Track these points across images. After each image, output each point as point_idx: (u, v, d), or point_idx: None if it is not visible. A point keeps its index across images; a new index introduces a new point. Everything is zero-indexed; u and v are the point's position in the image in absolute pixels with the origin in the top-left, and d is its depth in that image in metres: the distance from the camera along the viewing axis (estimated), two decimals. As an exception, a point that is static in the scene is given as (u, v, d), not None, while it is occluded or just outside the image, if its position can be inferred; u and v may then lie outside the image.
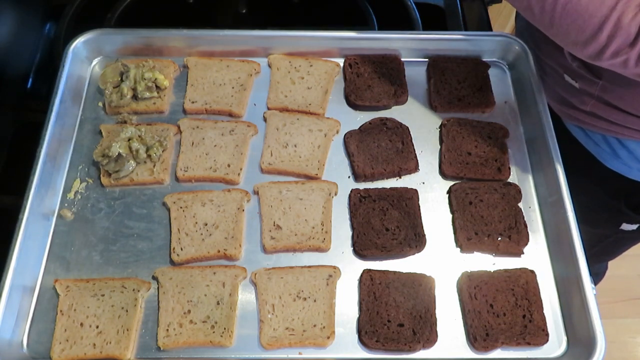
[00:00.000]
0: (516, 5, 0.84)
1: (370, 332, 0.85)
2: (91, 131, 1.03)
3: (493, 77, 1.11)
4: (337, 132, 1.03)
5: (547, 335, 0.86)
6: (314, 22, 1.17)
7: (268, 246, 0.91)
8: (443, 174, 1.00)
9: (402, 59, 1.11)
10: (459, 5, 1.24)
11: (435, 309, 0.87)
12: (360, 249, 0.91)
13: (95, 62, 1.10)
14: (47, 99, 0.99)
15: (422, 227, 0.94)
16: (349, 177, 1.00)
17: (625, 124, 0.98)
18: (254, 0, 1.24)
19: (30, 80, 1.15)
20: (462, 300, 0.89)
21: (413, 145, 1.02)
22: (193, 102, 1.05)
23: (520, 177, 1.01)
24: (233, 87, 1.06)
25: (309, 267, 0.90)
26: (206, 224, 0.93)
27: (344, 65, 1.11)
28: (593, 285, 0.86)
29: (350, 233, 0.94)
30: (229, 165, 0.98)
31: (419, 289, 0.88)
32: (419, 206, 0.96)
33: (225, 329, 0.85)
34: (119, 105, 1.03)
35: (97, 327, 0.84)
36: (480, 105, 1.07)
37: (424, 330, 0.85)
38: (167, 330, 0.84)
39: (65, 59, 1.03)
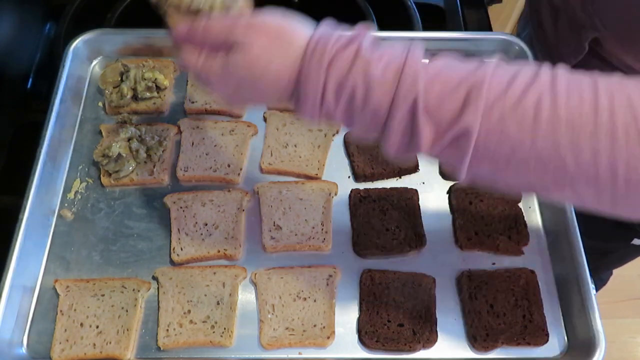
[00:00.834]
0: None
1: (370, 332, 0.85)
2: (91, 131, 1.03)
3: (493, 77, 1.10)
4: (337, 132, 1.03)
5: (547, 335, 0.86)
6: (313, 22, 1.17)
7: (268, 246, 0.91)
8: (443, 174, 1.00)
9: (402, 59, 1.11)
10: (459, 5, 1.24)
11: (435, 309, 0.87)
12: (360, 249, 0.91)
13: (95, 62, 1.10)
14: (47, 99, 0.99)
15: (422, 227, 0.94)
16: (349, 177, 1.00)
17: None
18: (254, 0, 1.23)
19: (30, 80, 1.14)
20: (462, 300, 0.89)
21: (413, 145, 1.02)
22: (193, 102, 1.05)
23: (520, 177, 1.01)
24: None
25: (309, 267, 0.90)
26: (206, 224, 0.93)
27: (344, 65, 1.10)
28: (593, 286, 0.86)
29: (350, 233, 0.94)
30: (229, 165, 0.98)
31: (419, 289, 0.88)
32: (419, 206, 0.96)
33: (225, 329, 0.85)
34: (119, 105, 1.03)
35: (97, 327, 0.84)
36: (480, 105, 1.07)
37: (424, 330, 0.85)
38: (167, 330, 0.84)
39: (65, 59, 1.03)
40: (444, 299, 0.89)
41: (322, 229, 0.93)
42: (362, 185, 0.98)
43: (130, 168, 0.97)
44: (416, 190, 0.97)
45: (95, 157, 0.97)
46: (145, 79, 1.03)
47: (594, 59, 0.95)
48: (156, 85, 1.04)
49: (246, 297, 0.88)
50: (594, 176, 0.52)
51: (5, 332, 0.82)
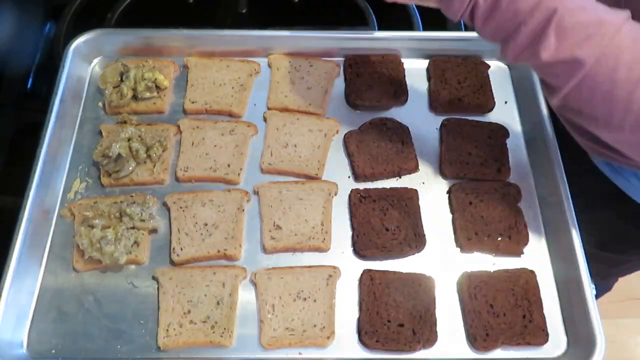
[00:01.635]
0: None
1: (370, 332, 0.85)
2: (91, 131, 1.03)
3: (493, 77, 1.11)
4: (337, 132, 1.03)
5: (547, 335, 0.86)
6: (314, 22, 1.17)
7: (268, 246, 0.91)
8: (443, 174, 1.00)
9: (402, 59, 1.11)
10: (459, 5, 1.24)
11: (435, 309, 0.87)
12: (360, 249, 0.91)
13: (95, 62, 1.10)
14: (47, 99, 0.99)
15: (422, 227, 0.94)
16: (349, 177, 1.00)
17: None
18: (254, 0, 1.24)
19: (30, 80, 1.15)
20: (462, 300, 0.89)
21: (413, 145, 1.02)
22: (193, 102, 1.05)
23: (520, 177, 1.01)
24: (233, 87, 1.06)
25: (309, 267, 0.90)
26: (206, 224, 0.93)
27: (344, 65, 1.10)
28: (593, 286, 0.86)
29: (350, 233, 0.94)
30: (229, 165, 0.98)
31: (419, 289, 0.88)
32: (419, 206, 0.96)
33: (225, 329, 0.85)
34: (119, 105, 1.03)
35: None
36: (480, 105, 1.07)
37: (424, 330, 0.85)
38: (167, 330, 0.84)
39: (65, 59, 1.03)
40: (444, 299, 0.89)
41: (322, 229, 0.93)
42: (362, 185, 0.98)
43: (130, 168, 0.96)
44: (416, 190, 0.97)
45: (95, 157, 0.97)
46: (145, 79, 1.03)
47: None
48: (156, 85, 1.04)
49: (246, 297, 0.88)
50: None
51: (5, 332, 0.82)
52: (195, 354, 0.84)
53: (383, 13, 1.20)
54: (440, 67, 1.10)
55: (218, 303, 0.86)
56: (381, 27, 1.18)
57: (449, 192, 0.98)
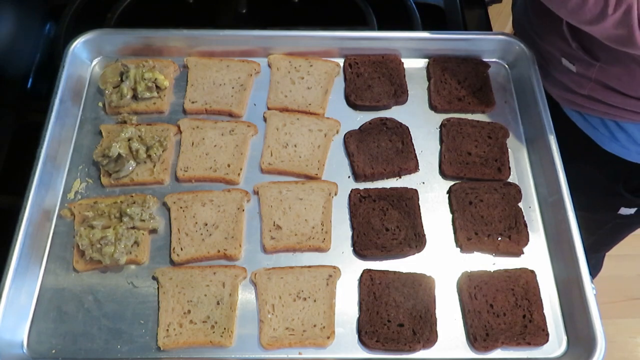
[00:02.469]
0: None
1: (370, 332, 0.85)
2: (91, 131, 1.03)
3: (493, 77, 1.11)
4: (337, 132, 1.03)
5: (547, 335, 0.86)
6: (314, 22, 1.17)
7: (268, 246, 0.91)
8: (443, 174, 1.00)
9: (402, 59, 1.11)
10: (459, 5, 1.24)
11: (435, 308, 0.87)
12: (360, 249, 0.91)
13: (95, 62, 1.10)
14: (47, 99, 0.99)
15: (422, 227, 0.94)
16: (349, 177, 1.00)
17: (623, 107, 0.99)
18: (254, 0, 1.24)
19: (30, 80, 1.15)
20: (462, 300, 0.88)
21: (413, 145, 1.02)
22: (193, 102, 1.05)
23: (520, 177, 1.01)
24: (233, 87, 1.06)
25: (309, 267, 0.90)
26: (206, 224, 0.93)
27: (344, 65, 1.11)
28: (593, 285, 0.86)
29: (350, 233, 0.94)
30: (229, 165, 0.98)
31: (419, 289, 0.88)
32: (419, 206, 0.96)
33: (225, 329, 0.85)
34: (119, 105, 1.03)
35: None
36: (480, 105, 1.07)
37: (424, 330, 0.85)
38: (167, 330, 0.84)
39: (65, 59, 1.03)
40: (444, 299, 0.89)
41: (322, 229, 0.93)
42: (362, 185, 0.98)
43: (130, 168, 0.96)
44: (416, 190, 0.97)
45: (95, 157, 0.97)
46: (145, 79, 1.03)
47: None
48: (156, 85, 1.04)
49: (246, 297, 0.88)
50: None
51: (5, 332, 0.82)
52: (195, 354, 0.84)
53: (383, 13, 1.20)
54: (440, 67, 1.10)
55: (218, 303, 0.86)
56: (381, 27, 1.18)
57: (449, 192, 0.98)
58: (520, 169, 1.02)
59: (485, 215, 0.95)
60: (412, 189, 0.97)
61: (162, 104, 1.05)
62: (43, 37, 1.20)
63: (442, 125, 1.04)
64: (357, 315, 0.87)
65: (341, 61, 1.11)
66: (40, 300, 0.87)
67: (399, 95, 1.07)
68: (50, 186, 0.95)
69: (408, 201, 0.95)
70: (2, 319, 0.81)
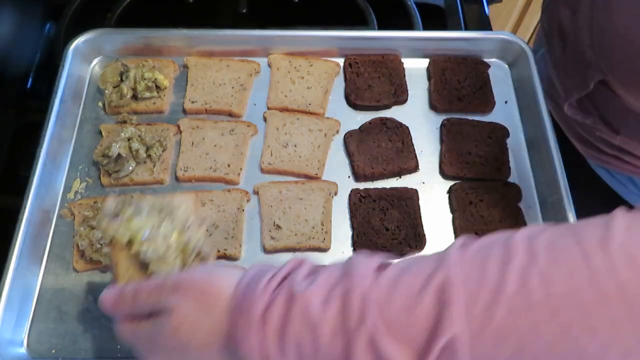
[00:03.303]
0: None
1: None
2: (91, 131, 1.03)
3: (493, 77, 1.11)
4: (337, 132, 1.03)
5: (547, 335, 0.86)
6: (314, 22, 1.17)
7: (268, 246, 0.91)
8: (443, 174, 1.00)
9: (402, 59, 1.11)
10: (459, 5, 1.24)
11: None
12: (360, 249, 0.91)
13: (95, 62, 1.10)
14: (47, 99, 0.99)
15: (422, 227, 0.94)
16: (349, 177, 1.00)
17: None
18: (254, 0, 1.24)
19: (30, 80, 1.14)
20: (462, 300, 0.88)
21: (413, 145, 1.02)
22: (193, 102, 1.05)
23: (520, 177, 1.01)
24: (233, 87, 1.06)
25: (309, 267, 0.90)
26: (206, 224, 0.93)
27: (344, 65, 1.10)
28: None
29: (350, 233, 0.94)
30: (229, 165, 0.98)
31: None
32: (419, 206, 0.96)
33: (225, 329, 0.84)
34: (119, 105, 1.03)
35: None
36: (480, 105, 1.07)
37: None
38: (167, 330, 0.84)
39: (65, 59, 1.03)
40: (444, 299, 0.88)
41: (322, 229, 0.93)
42: (362, 185, 0.98)
43: (130, 168, 0.96)
44: (416, 190, 0.97)
45: (95, 157, 0.97)
46: (145, 79, 1.03)
47: (600, 93, 0.93)
48: (156, 85, 1.04)
49: (246, 297, 0.88)
50: None
51: (5, 332, 0.82)
52: (195, 354, 0.84)
53: (383, 13, 1.20)
54: (440, 67, 1.10)
55: (218, 303, 0.86)
56: (381, 27, 1.18)
57: (449, 192, 0.98)
58: (520, 169, 1.02)
59: (486, 215, 0.95)
60: (412, 189, 0.97)
61: (162, 104, 1.05)
62: (43, 37, 1.20)
63: (442, 125, 1.04)
64: (357, 315, 0.87)
65: (341, 61, 1.11)
66: (40, 300, 0.87)
67: (399, 95, 1.07)
68: (50, 186, 0.95)
69: (408, 201, 0.95)
70: (2, 319, 0.81)
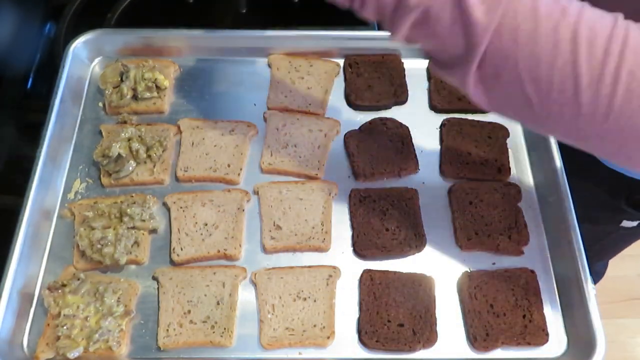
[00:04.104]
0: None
1: (370, 332, 0.85)
2: (91, 131, 1.03)
3: (493, 77, 1.10)
4: (337, 132, 1.03)
5: (547, 335, 0.86)
6: (314, 22, 1.17)
7: (268, 246, 0.91)
8: (443, 174, 1.00)
9: (402, 59, 1.11)
10: (459, 5, 1.24)
11: (435, 308, 0.87)
12: (360, 249, 0.91)
13: (95, 62, 1.10)
14: (47, 99, 0.99)
15: (422, 227, 0.94)
16: (349, 177, 1.00)
17: None
18: (254, 0, 1.24)
19: (30, 80, 1.15)
20: (462, 300, 0.88)
21: (413, 145, 1.02)
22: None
23: (520, 177, 1.01)
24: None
25: (309, 267, 0.90)
26: (206, 224, 0.93)
27: (344, 65, 1.11)
28: (593, 285, 0.86)
29: (350, 233, 0.94)
30: (229, 165, 0.98)
31: (419, 289, 0.88)
32: (419, 206, 0.96)
33: (225, 329, 0.85)
34: (119, 105, 1.03)
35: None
36: (480, 105, 1.07)
37: (424, 330, 0.85)
38: (167, 330, 0.84)
39: (65, 59, 1.03)
40: (444, 299, 0.89)
41: (322, 229, 0.93)
42: (362, 185, 0.98)
43: (130, 168, 0.96)
44: (416, 190, 0.97)
45: (95, 157, 0.97)
46: (145, 79, 1.03)
47: None
48: (156, 85, 1.04)
49: (246, 297, 0.88)
50: None
51: (5, 332, 0.82)
52: (195, 354, 0.84)
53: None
54: (440, 67, 1.10)
55: (218, 303, 0.86)
56: (381, 27, 1.18)
57: (449, 192, 0.98)
58: (520, 169, 1.02)
59: (486, 215, 0.95)
60: (412, 189, 0.97)
61: (162, 104, 1.05)
62: (43, 37, 1.20)
63: (442, 125, 1.04)
64: (357, 315, 0.87)
65: (341, 61, 1.11)
66: (40, 301, 0.87)
67: (399, 95, 1.07)
68: (50, 186, 0.95)
69: (408, 201, 0.95)
70: (2, 319, 0.81)
